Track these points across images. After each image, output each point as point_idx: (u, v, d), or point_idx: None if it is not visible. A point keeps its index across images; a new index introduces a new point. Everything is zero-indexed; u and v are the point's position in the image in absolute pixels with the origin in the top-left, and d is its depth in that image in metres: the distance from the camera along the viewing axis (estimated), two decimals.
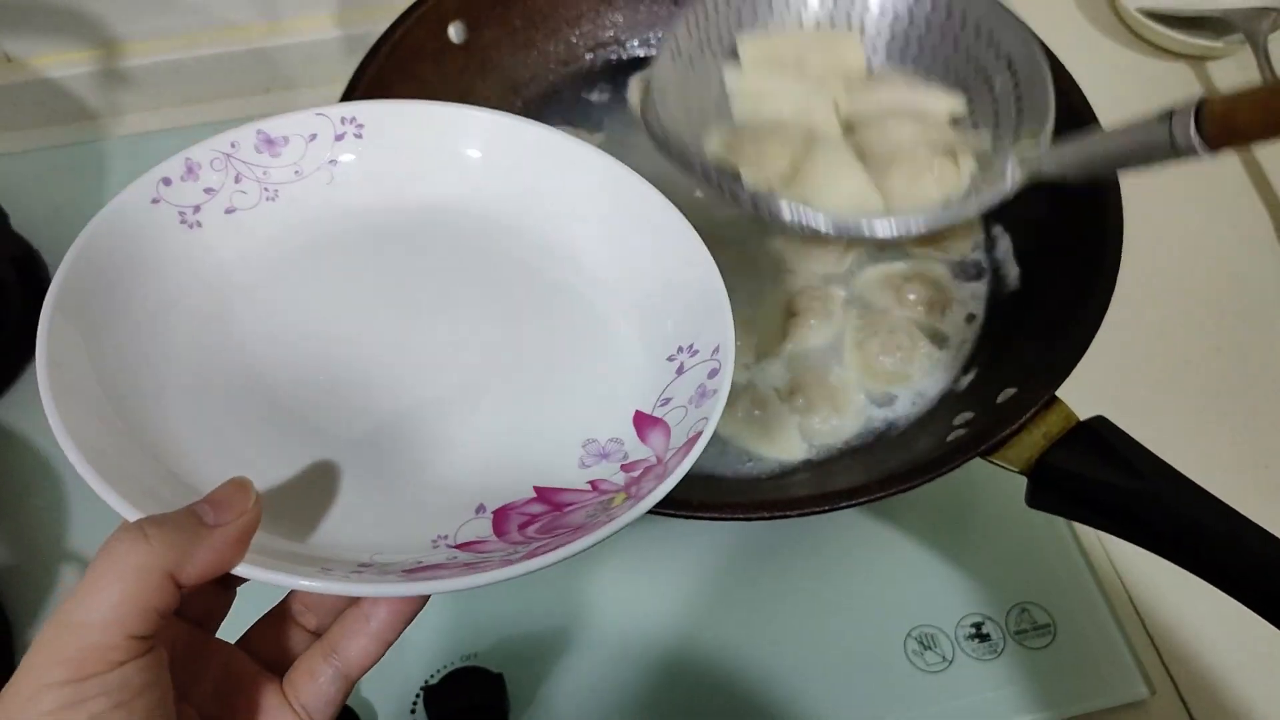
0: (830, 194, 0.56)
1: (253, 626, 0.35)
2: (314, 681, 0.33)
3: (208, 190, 0.42)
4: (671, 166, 0.56)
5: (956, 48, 0.61)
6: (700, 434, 0.35)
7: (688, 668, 0.55)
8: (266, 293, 0.41)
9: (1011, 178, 0.54)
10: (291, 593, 0.36)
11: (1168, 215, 0.74)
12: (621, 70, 0.70)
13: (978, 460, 0.47)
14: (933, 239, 0.63)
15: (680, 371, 0.40)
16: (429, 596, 0.33)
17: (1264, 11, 0.79)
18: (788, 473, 0.55)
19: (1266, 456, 0.64)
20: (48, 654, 0.26)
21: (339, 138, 0.45)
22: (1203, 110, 0.41)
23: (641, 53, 0.71)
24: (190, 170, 0.42)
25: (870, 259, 0.62)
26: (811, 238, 0.61)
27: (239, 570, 0.29)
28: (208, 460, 0.35)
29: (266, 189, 0.43)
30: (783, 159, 0.58)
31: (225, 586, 0.35)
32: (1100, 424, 0.46)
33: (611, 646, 0.56)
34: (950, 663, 0.56)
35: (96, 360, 0.36)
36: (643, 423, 0.39)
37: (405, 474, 0.37)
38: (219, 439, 0.36)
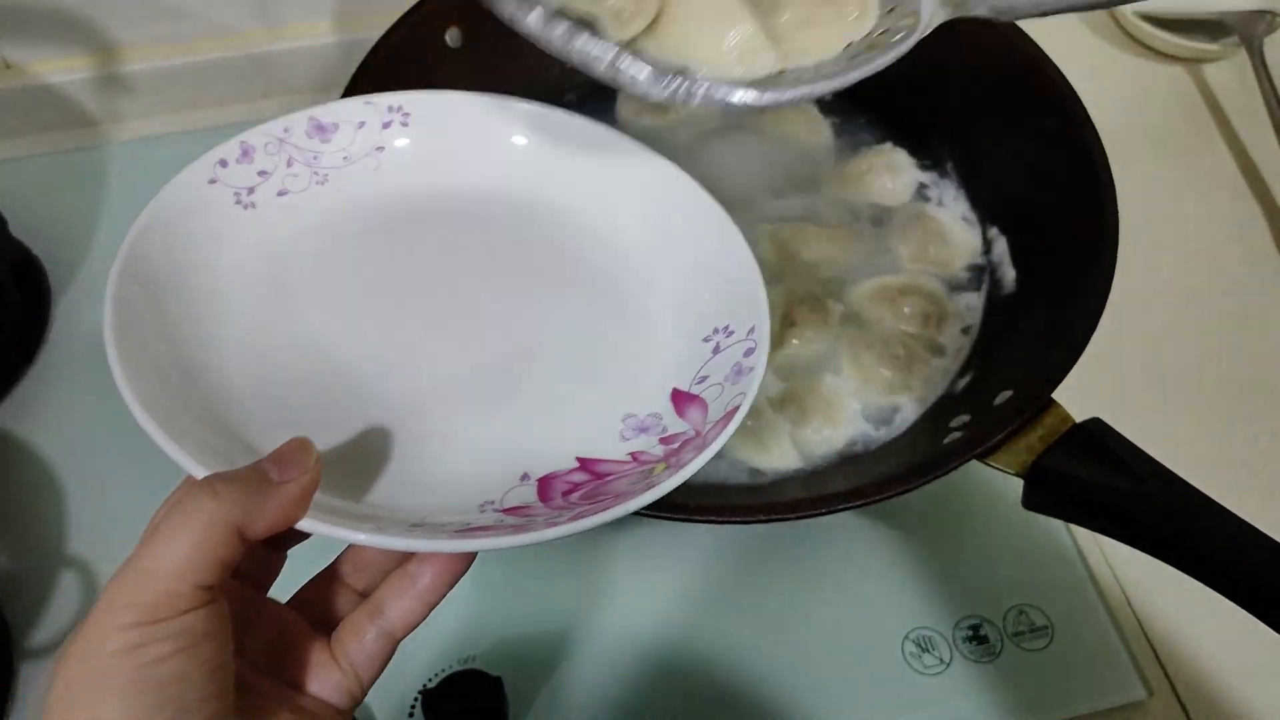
0: (706, 46, 0.43)
1: (303, 587, 0.37)
2: (360, 640, 0.34)
3: (261, 173, 0.44)
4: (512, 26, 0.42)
5: None
6: (738, 408, 0.36)
7: (686, 671, 0.55)
8: (319, 270, 0.43)
9: (928, 14, 0.43)
10: (341, 556, 0.37)
11: (1164, 217, 0.74)
12: None
13: (975, 462, 0.47)
14: (929, 258, 0.63)
15: (716, 351, 0.41)
16: (473, 560, 0.35)
17: (1259, 15, 0.79)
18: (783, 480, 0.55)
19: (1263, 459, 0.64)
20: (120, 598, 0.27)
21: (386, 125, 0.47)
22: None
23: None
24: (245, 153, 0.44)
25: (864, 273, 0.62)
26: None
27: (301, 525, 0.31)
28: (266, 424, 0.37)
29: (317, 173, 0.46)
30: None
31: (278, 549, 0.37)
32: (1096, 426, 0.46)
33: (610, 650, 0.56)
34: (948, 665, 0.56)
35: (159, 326, 0.38)
36: (680, 399, 0.40)
37: (453, 442, 0.39)
38: (276, 405, 0.38)
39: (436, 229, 0.46)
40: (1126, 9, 0.83)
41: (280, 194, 0.44)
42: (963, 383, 0.57)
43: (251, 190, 0.44)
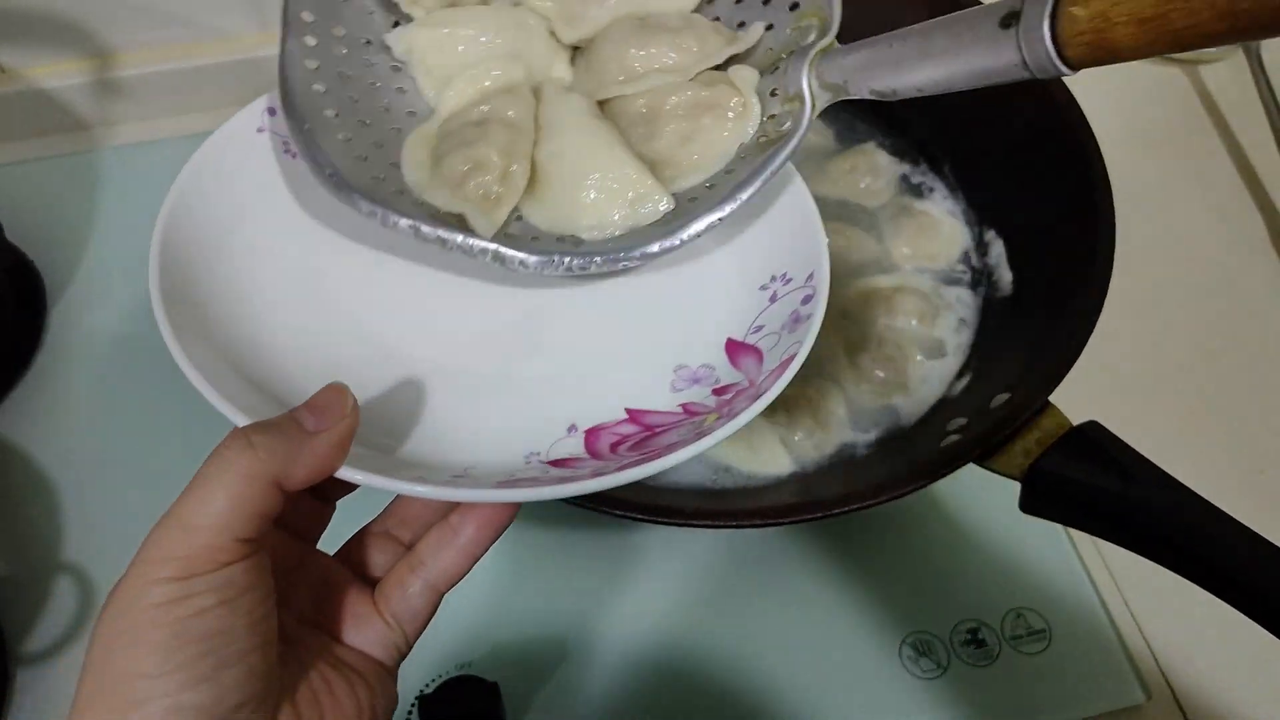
0: (591, 206, 0.40)
1: (350, 539, 0.37)
2: (403, 593, 0.34)
3: None
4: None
5: None
6: (794, 356, 0.35)
7: (682, 675, 0.55)
8: (364, 221, 0.42)
9: (811, 100, 0.40)
10: (388, 509, 0.37)
11: (1162, 219, 0.74)
12: None
13: (971, 466, 0.47)
14: (922, 253, 0.63)
15: (773, 299, 0.40)
16: (516, 512, 0.35)
17: None
18: (779, 483, 0.55)
19: (1261, 461, 0.64)
20: (159, 551, 0.27)
21: None
22: (1060, 18, 0.29)
23: None
24: None
25: (857, 271, 0.62)
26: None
27: (340, 474, 0.30)
28: (306, 377, 0.36)
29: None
30: (510, 159, 0.41)
31: (325, 500, 0.37)
32: (1094, 429, 0.46)
33: (606, 655, 0.55)
34: (946, 669, 0.55)
35: (202, 276, 0.37)
36: (735, 349, 0.39)
37: (497, 393, 0.38)
38: (318, 357, 0.37)
39: None
40: None
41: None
42: (959, 385, 0.57)
43: None
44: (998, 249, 0.62)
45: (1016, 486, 0.47)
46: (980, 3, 0.36)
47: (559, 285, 0.43)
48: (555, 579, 0.58)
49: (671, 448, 0.33)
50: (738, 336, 0.40)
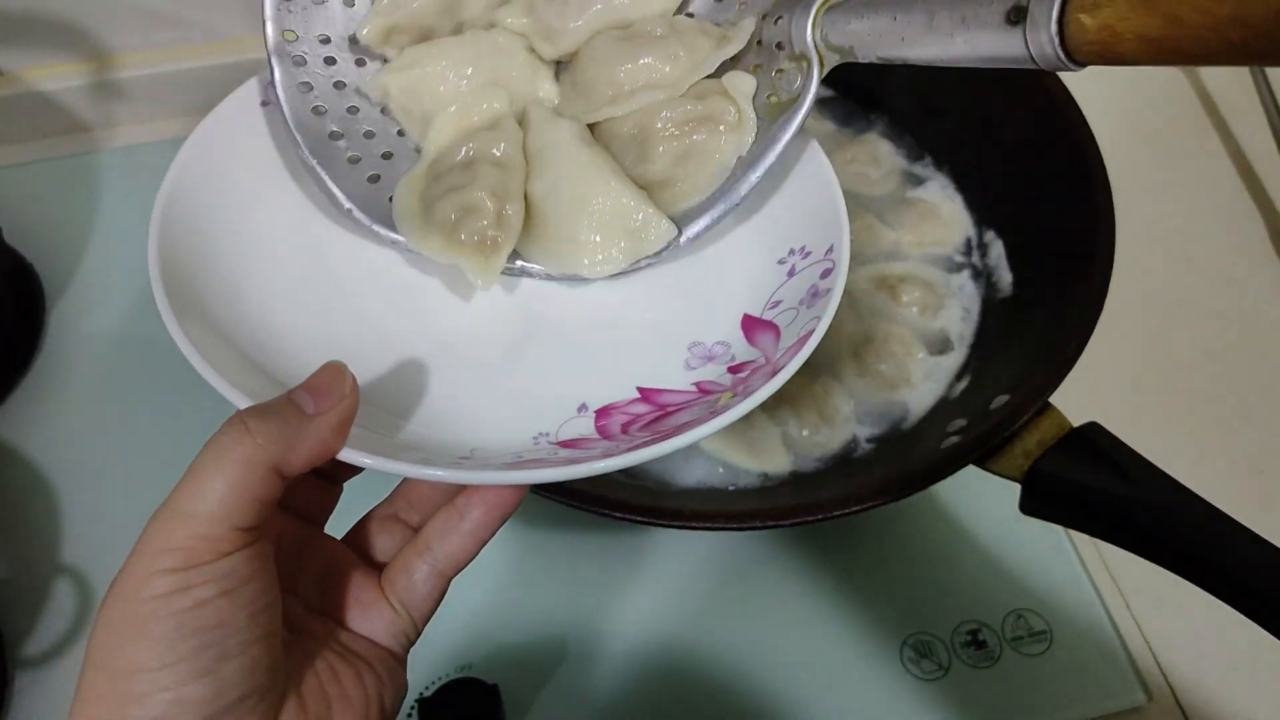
0: (593, 245, 0.39)
1: (358, 523, 0.36)
2: (409, 578, 0.34)
3: None
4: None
5: None
6: (813, 332, 0.34)
7: (683, 677, 0.55)
8: None
9: (818, 59, 0.38)
10: (396, 491, 0.36)
11: (1161, 220, 0.74)
12: None
13: (971, 467, 0.47)
14: (927, 239, 0.63)
15: (791, 274, 0.39)
16: (524, 495, 0.34)
17: None
18: (778, 484, 0.55)
19: (1261, 462, 0.64)
20: (158, 542, 0.27)
21: None
22: (1067, 23, 0.29)
23: None
24: None
25: (860, 260, 0.62)
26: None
27: (342, 456, 0.30)
28: (309, 357, 0.35)
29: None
30: (502, 201, 0.39)
31: (332, 481, 0.36)
32: (1094, 430, 0.46)
33: (607, 657, 0.55)
34: (947, 670, 0.55)
35: (201, 252, 0.37)
36: (751, 326, 0.38)
37: (505, 372, 0.37)
38: (320, 337, 0.37)
39: None
40: None
41: None
42: (959, 386, 0.57)
43: None
44: (997, 249, 0.62)
45: (1017, 488, 0.47)
46: None
47: None
48: (556, 581, 0.58)
49: (684, 427, 0.32)
50: (754, 312, 0.38)
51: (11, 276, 0.66)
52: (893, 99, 0.68)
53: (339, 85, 0.41)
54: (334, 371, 0.30)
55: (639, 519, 0.45)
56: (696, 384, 0.36)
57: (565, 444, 0.34)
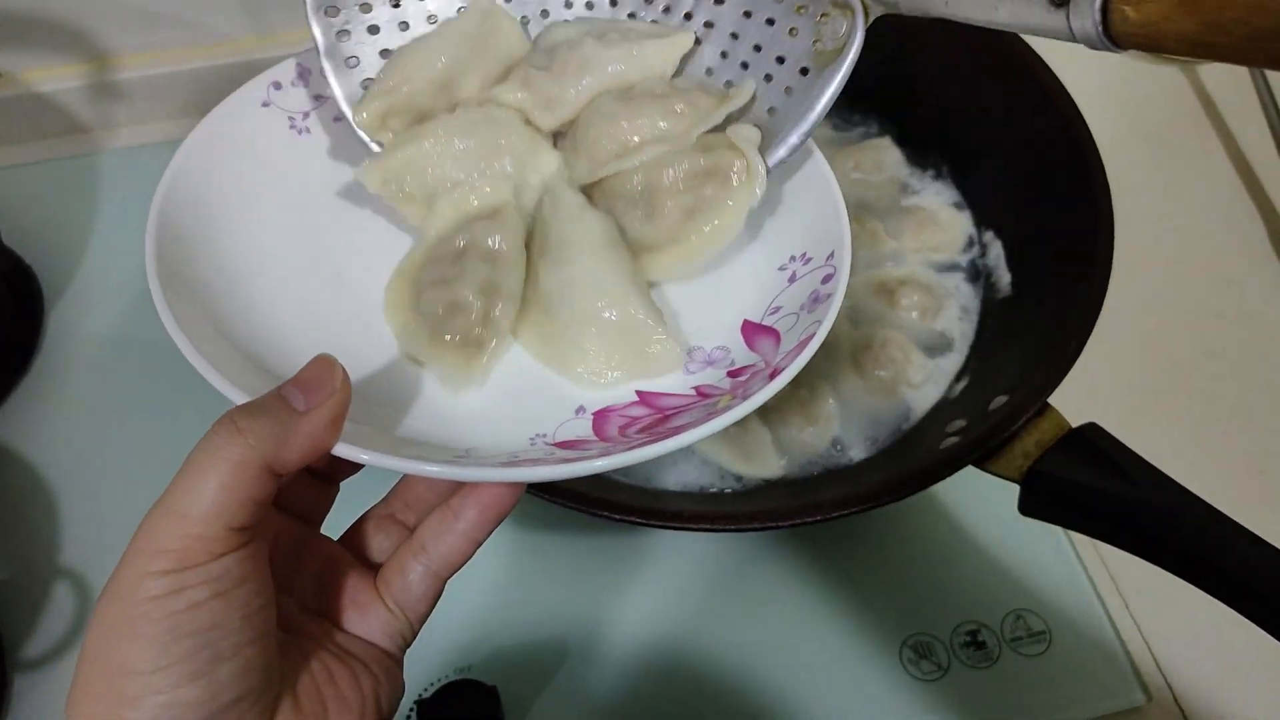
0: (590, 351, 0.37)
1: (355, 523, 0.36)
2: (404, 579, 0.33)
3: (317, 97, 0.42)
4: None
5: None
6: (813, 336, 0.34)
7: (682, 679, 0.55)
8: (371, 201, 0.41)
9: (863, 5, 0.37)
10: (393, 491, 0.36)
11: (1160, 219, 0.74)
12: None
13: (970, 468, 0.47)
14: (925, 244, 0.63)
15: (792, 280, 0.38)
16: (520, 496, 0.34)
17: None
18: (776, 486, 0.55)
19: (1260, 462, 0.64)
20: (151, 543, 0.26)
21: None
22: (1110, 13, 0.29)
23: None
24: (301, 75, 0.42)
25: (860, 265, 0.62)
26: None
27: (337, 451, 0.29)
28: (307, 355, 0.34)
29: None
30: (491, 300, 0.38)
31: (328, 481, 0.36)
32: (1093, 431, 0.46)
33: (606, 658, 0.55)
34: (946, 671, 0.55)
35: (200, 252, 0.36)
36: (751, 331, 0.38)
37: (503, 372, 0.37)
38: (317, 339, 0.36)
39: None
40: None
41: (336, 119, 0.42)
42: (958, 387, 0.57)
43: (307, 115, 0.42)
44: (996, 250, 0.62)
45: (1016, 488, 0.47)
46: None
47: None
48: (554, 583, 0.58)
49: (682, 429, 0.31)
50: (754, 318, 0.38)
51: (10, 278, 0.66)
52: (894, 103, 0.68)
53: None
54: (324, 365, 0.30)
55: (639, 521, 0.45)
56: (696, 388, 0.36)
57: (562, 444, 0.34)
